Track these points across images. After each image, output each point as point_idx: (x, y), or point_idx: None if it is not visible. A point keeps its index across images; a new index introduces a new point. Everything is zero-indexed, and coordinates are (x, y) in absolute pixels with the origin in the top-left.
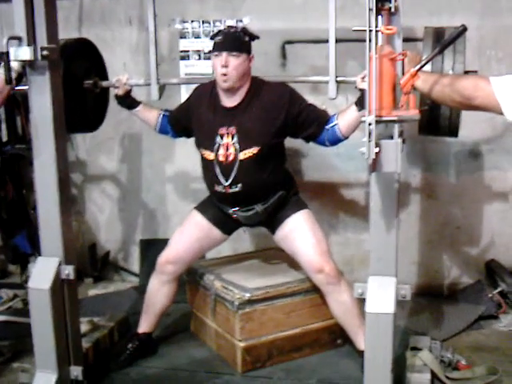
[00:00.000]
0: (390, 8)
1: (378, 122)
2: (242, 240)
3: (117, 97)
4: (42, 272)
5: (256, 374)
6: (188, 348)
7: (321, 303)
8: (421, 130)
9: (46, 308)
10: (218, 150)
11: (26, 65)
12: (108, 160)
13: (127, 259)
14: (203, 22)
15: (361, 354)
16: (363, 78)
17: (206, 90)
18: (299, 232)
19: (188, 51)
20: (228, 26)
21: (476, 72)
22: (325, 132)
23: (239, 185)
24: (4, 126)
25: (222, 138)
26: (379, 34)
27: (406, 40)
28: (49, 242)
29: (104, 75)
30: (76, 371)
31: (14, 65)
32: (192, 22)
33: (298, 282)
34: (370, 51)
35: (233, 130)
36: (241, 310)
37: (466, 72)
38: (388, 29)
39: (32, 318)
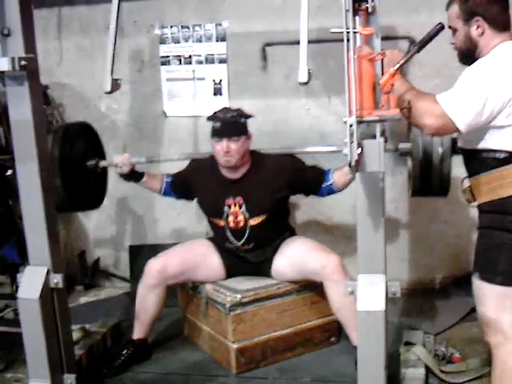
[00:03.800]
0: (368, 8)
1: (359, 123)
2: None
3: (122, 175)
4: (31, 282)
5: (251, 375)
6: (182, 352)
7: (313, 302)
8: (413, 194)
9: (36, 317)
10: (227, 218)
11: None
12: None
13: (117, 265)
14: (182, 27)
15: (355, 349)
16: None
17: (205, 165)
18: (297, 248)
19: (168, 56)
20: (223, 109)
21: None
22: (322, 189)
23: (252, 244)
24: None
25: (229, 207)
26: (357, 34)
27: (385, 38)
28: (36, 251)
29: (102, 155)
30: (69, 379)
31: None
32: (171, 27)
33: (289, 282)
34: (348, 52)
35: (240, 200)
36: (232, 311)
37: None
38: (366, 29)
39: (23, 328)
